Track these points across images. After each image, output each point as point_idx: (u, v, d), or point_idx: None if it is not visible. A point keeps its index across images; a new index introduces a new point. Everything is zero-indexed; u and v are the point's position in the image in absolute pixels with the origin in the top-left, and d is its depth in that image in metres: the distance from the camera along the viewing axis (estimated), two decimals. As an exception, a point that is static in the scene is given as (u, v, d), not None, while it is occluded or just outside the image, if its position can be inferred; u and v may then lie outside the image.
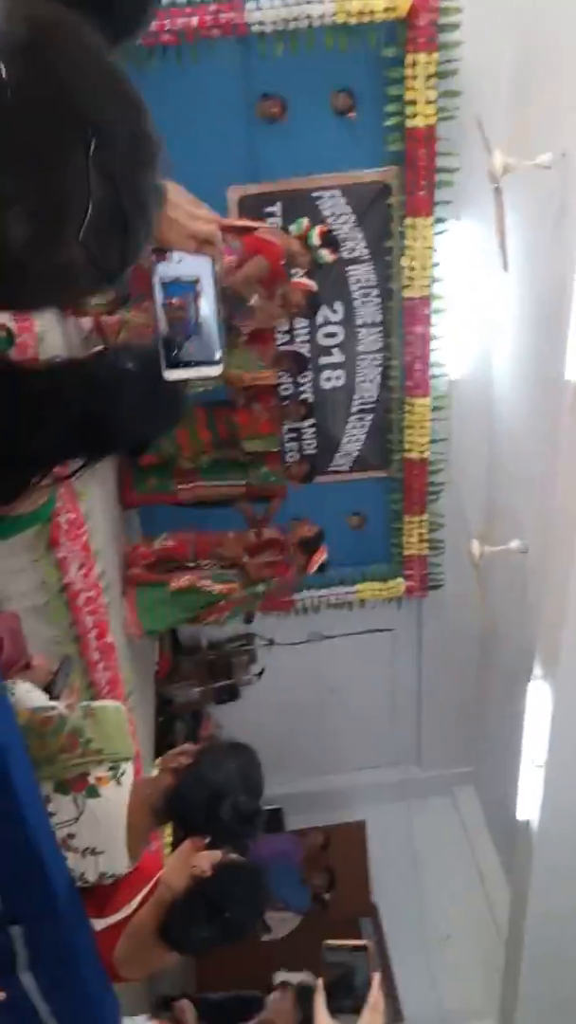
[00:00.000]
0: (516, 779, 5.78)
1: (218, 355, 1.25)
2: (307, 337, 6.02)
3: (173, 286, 1.23)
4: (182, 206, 1.21)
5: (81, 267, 0.75)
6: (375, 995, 1.49)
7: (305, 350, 6.02)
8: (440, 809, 8.30)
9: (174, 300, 1.23)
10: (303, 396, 6.18)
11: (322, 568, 5.69)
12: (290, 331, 5.95)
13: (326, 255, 5.02)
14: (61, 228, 0.71)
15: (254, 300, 4.84)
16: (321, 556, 5.67)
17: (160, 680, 6.54)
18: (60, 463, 1.42)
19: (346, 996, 1.51)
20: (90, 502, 4.35)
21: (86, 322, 4.85)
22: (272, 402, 5.60)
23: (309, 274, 5.14)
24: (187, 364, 1.25)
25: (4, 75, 0.64)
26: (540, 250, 4.92)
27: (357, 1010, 1.48)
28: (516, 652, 5.97)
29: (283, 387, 6.06)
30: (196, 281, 1.23)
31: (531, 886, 5.77)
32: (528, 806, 5.66)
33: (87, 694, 4.32)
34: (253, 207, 5.51)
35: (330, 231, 5.11)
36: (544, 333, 4.94)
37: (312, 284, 5.12)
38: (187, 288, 1.23)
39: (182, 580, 5.50)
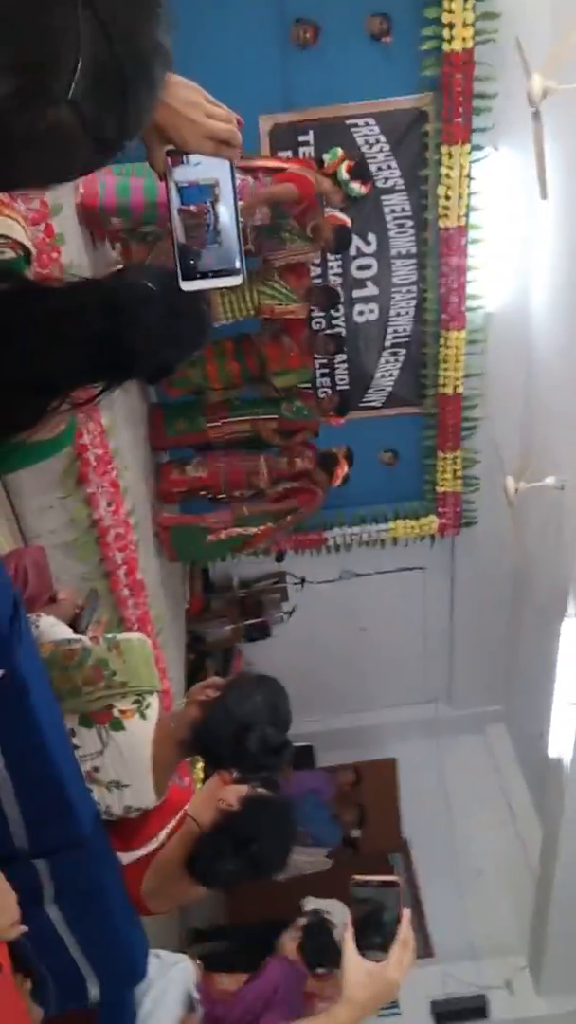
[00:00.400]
0: (548, 717, 5.76)
1: (238, 263, 1.17)
2: (339, 270, 5.88)
3: (190, 191, 1.14)
4: (200, 104, 1.12)
5: (73, 133, 0.66)
6: (404, 931, 1.45)
7: (338, 283, 5.87)
8: (471, 747, 8.34)
9: (192, 207, 1.15)
10: (334, 331, 6.04)
11: (345, 479, 5.71)
12: (322, 264, 5.80)
13: (357, 188, 4.89)
14: (47, 83, 0.62)
15: (257, 217, 4.69)
16: (343, 469, 5.67)
17: (191, 618, 6.57)
18: (79, 387, 1.36)
19: (375, 932, 1.47)
20: (119, 439, 4.31)
21: (114, 255, 4.78)
22: (302, 335, 5.48)
23: (343, 210, 5.02)
24: (205, 275, 1.17)
25: None
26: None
27: (386, 947, 1.44)
28: (550, 590, 5.90)
29: (314, 321, 5.93)
30: (215, 185, 1.14)
31: (562, 824, 5.78)
32: (560, 744, 5.65)
33: (117, 630, 4.32)
34: (285, 136, 5.36)
35: (358, 163, 4.95)
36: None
37: (345, 219, 4.98)
38: (205, 192, 1.15)
39: (220, 533, 5.63)
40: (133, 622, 4.42)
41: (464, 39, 4.87)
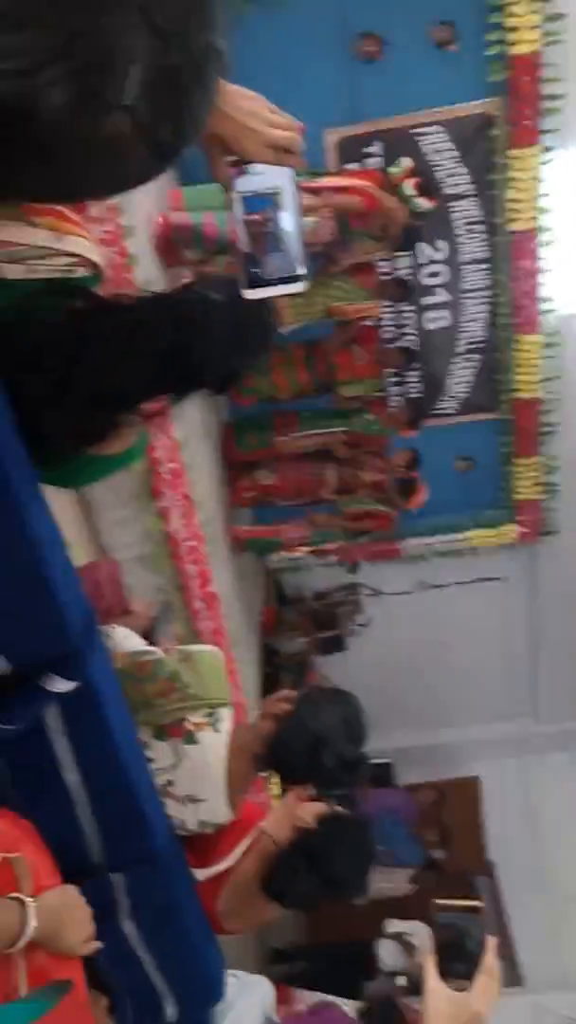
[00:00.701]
0: None
1: (302, 270, 1.17)
2: (409, 277, 5.81)
3: (253, 200, 1.15)
4: (260, 114, 1.12)
5: (129, 139, 0.65)
6: (489, 959, 1.38)
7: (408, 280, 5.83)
8: (559, 765, 8.07)
9: (255, 216, 1.15)
10: (404, 343, 5.99)
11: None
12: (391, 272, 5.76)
13: (423, 203, 4.85)
14: (104, 90, 0.61)
15: (325, 233, 4.70)
16: (421, 496, 5.63)
17: (265, 631, 6.55)
18: (149, 399, 1.39)
19: (458, 959, 1.41)
20: (192, 453, 4.34)
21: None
22: (373, 344, 5.44)
23: (410, 231, 5.03)
24: (269, 282, 1.17)
25: None
26: None
27: (470, 975, 1.37)
28: None
29: (384, 331, 5.89)
30: (277, 193, 1.15)
31: None
32: None
33: (190, 642, 4.33)
34: (352, 148, 5.39)
35: (424, 179, 4.93)
36: None
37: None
38: (267, 201, 1.15)
39: (293, 548, 5.76)
40: (207, 634, 4.42)
41: (530, 42, 4.86)
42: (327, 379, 5.43)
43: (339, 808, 2.22)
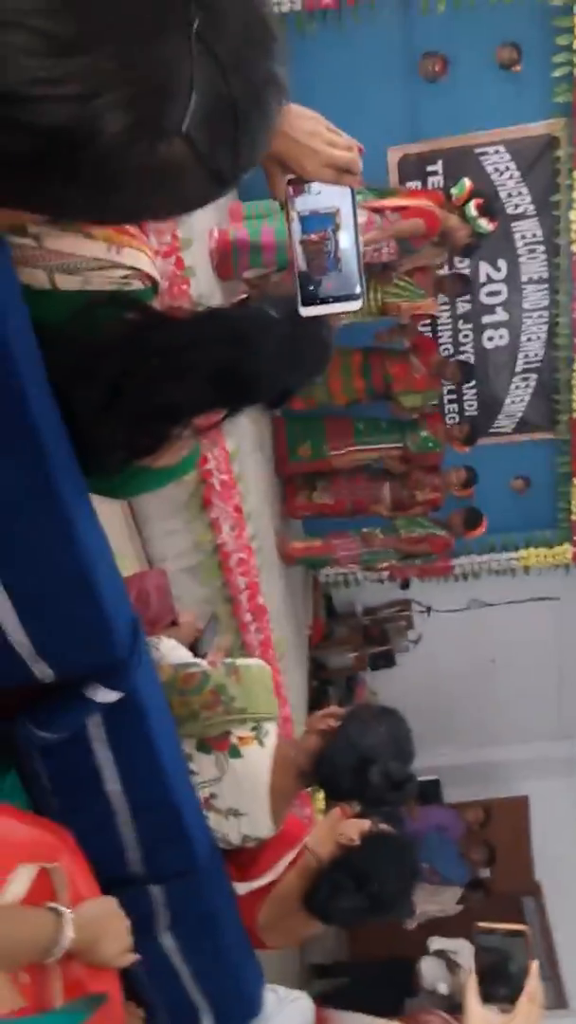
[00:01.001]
0: None
1: (358, 289, 1.17)
2: (468, 298, 5.83)
3: (311, 220, 1.15)
4: (320, 133, 1.14)
5: (187, 166, 0.66)
6: (533, 984, 1.36)
7: (467, 310, 5.81)
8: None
9: (313, 235, 1.15)
10: (463, 357, 5.96)
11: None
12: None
13: (485, 224, 4.82)
14: (161, 117, 0.62)
15: (384, 253, 4.76)
16: (482, 530, 5.62)
17: (314, 645, 6.54)
18: (202, 414, 1.38)
19: (501, 983, 1.39)
20: (244, 465, 4.35)
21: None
22: (431, 357, 5.43)
23: (469, 245, 4.96)
24: (325, 300, 1.18)
25: None
26: None
27: (513, 999, 1.35)
28: None
29: (443, 349, 5.86)
30: (335, 213, 1.15)
31: None
32: None
33: (238, 655, 4.34)
34: (414, 167, 5.41)
35: (487, 200, 4.89)
36: None
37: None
38: (326, 221, 1.16)
39: (345, 564, 5.75)
40: (255, 647, 4.43)
41: (597, 63, 4.79)
42: (382, 389, 5.41)
43: (384, 826, 2.20)
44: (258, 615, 4.40)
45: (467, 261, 5.57)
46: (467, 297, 5.80)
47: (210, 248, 4.28)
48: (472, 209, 4.80)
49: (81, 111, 0.58)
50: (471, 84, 5.17)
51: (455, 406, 6.17)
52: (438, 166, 5.40)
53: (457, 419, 6.11)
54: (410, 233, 4.75)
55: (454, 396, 6.09)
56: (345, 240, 1.15)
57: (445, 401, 6.05)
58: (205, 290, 3.74)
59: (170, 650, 2.07)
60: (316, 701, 6.40)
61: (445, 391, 5.96)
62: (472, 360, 6.02)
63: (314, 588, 6.70)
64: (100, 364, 1.25)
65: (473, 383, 6.04)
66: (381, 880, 1.99)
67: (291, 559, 5.63)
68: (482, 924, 1.45)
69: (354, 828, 2.10)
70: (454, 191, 4.94)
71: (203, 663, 2.01)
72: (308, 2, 4.72)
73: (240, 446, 4.28)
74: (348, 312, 1.23)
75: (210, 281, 4.01)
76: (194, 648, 2.34)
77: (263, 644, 4.45)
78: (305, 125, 1.11)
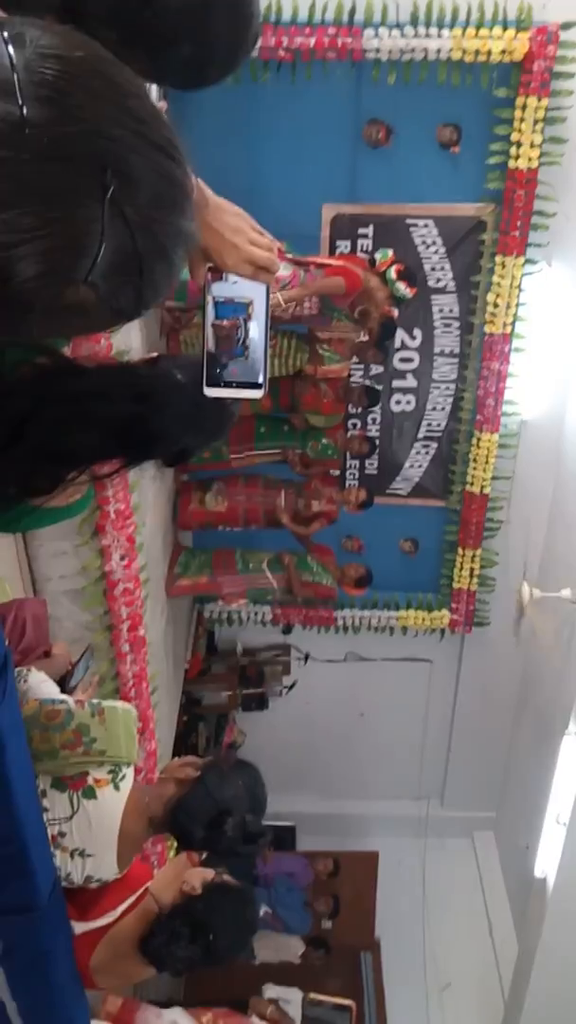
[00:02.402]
0: (537, 833, 5.64)
1: (261, 379, 1.24)
2: (382, 358, 5.94)
3: (225, 307, 1.23)
4: (244, 231, 1.22)
5: (90, 306, 0.74)
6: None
7: (379, 371, 5.97)
8: (457, 851, 8.13)
9: (225, 322, 1.22)
10: (370, 417, 6.13)
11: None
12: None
13: (403, 289, 4.98)
14: (71, 270, 0.70)
15: (306, 307, 4.92)
16: (364, 591, 5.80)
17: (189, 679, 6.53)
18: (99, 462, 1.41)
19: None
20: (142, 494, 4.36)
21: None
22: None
23: (387, 326, 5.12)
24: (229, 384, 1.24)
25: (26, 113, 0.64)
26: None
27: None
28: (554, 703, 5.83)
29: (351, 420, 6.05)
30: (249, 304, 1.23)
31: (539, 945, 5.61)
32: (546, 863, 5.52)
33: (112, 685, 4.32)
34: (346, 226, 5.53)
35: (407, 268, 5.06)
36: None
37: (393, 311, 5.08)
38: (239, 310, 1.23)
39: (230, 602, 5.88)
40: (129, 678, 4.41)
41: (530, 159, 5.04)
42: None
43: (228, 877, 2.24)
44: (136, 647, 4.39)
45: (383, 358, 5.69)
46: (380, 358, 5.95)
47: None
48: (392, 273, 4.96)
49: (1, 255, 0.65)
50: (411, 156, 5.31)
51: (356, 463, 6.31)
52: (369, 230, 5.52)
53: (357, 478, 6.25)
54: (331, 290, 4.90)
55: (357, 459, 6.24)
56: (255, 331, 1.22)
57: (348, 463, 6.19)
58: (123, 345, 3.74)
59: (38, 684, 2.07)
60: (185, 736, 6.39)
61: (350, 455, 6.10)
62: (378, 420, 6.18)
63: (197, 622, 6.71)
64: (5, 405, 1.26)
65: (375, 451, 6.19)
66: (217, 932, 2.03)
67: (177, 594, 5.62)
68: (312, 995, 1.50)
69: (197, 877, 2.13)
70: (378, 256, 5.12)
71: (70, 700, 2.02)
72: (264, 51, 4.78)
73: (140, 476, 4.28)
74: (248, 399, 1.30)
75: (128, 337, 3.99)
76: (64, 680, 2.35)
77: (137, 676, 4.44)
78: (231, 221, 1.19)
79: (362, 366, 5.89)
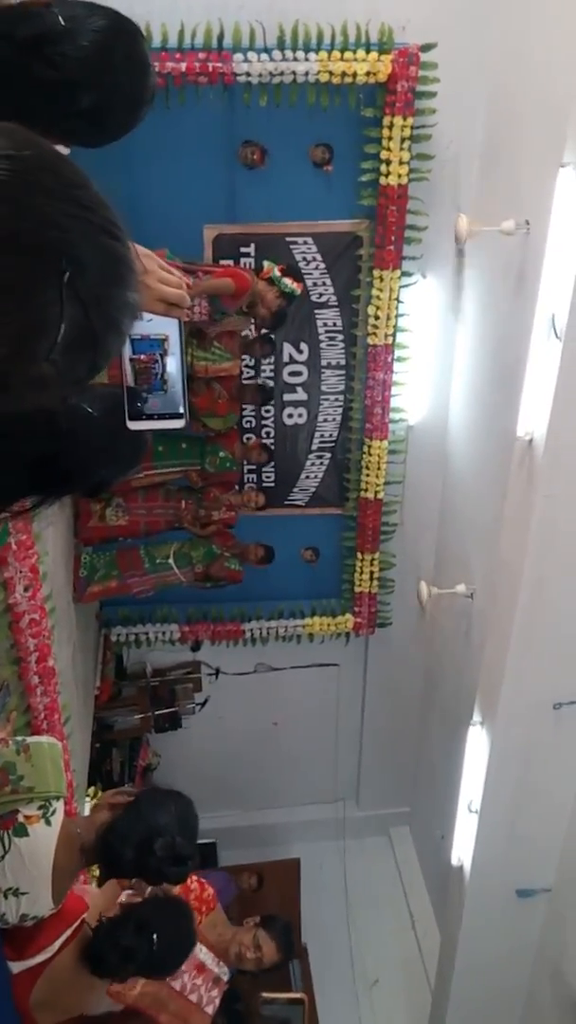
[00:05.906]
0: (452, 822, 5.81)
1: (182, 409, 1.31)
2: (271, 374, 6.09)
3: (141, 343, 1.29)
4: (154, 271, 1.28)
5: (50, 379, 0.79)
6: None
7: (269, 385, 6.07)
8: (375, 849, 8.29)
9: (142, 356, 1.29)
10: (264, 430, 6.23)
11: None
12: (255, 367, 6.01)
13: (290, 284, 5.13)
14: (33, 351, 0.75)
15: (196, 312, 5.03)
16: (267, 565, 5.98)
17: (100, 705, 6.47)
18: (14, 501, 1.42)
19: None
20: (43, 523, 4.32)
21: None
22: (232, 384, 5.58)
23: (279, 308, 5.22)
24: (151, 416, 1.31)
25: None
26: (497, 310, 5.06)
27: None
28: (457, 695, 6.03)
29: (245, 421, 6.11)
30: (164, 339, 1.29)
31: (461, 932, 5.78)
32: (461, 850, 5.69)
33: (23, 719, 4.26)
34: (228, 246, 5.60)
35: (290, 266, 5.21)
36: (497, 389, 5.06)
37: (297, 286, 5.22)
38: (155, 346, 1.29)
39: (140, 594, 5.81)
40: (41, 711, 4.35)
41: (399, 175, 5.22)
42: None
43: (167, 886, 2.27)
44: (46, 678, 4.34)
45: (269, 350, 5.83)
46: (271, 373, 6.07)
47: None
48: (277, 271, 5.12)
49: None
50: (286, 176, 5.44)
51: (254, 475, 6.40)
52: (251, 248, 5.61)
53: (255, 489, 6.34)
54: (220, 291, 5.00)
55: (254, 468, 6.33)
56: (172, 365, 1.29)
57: (245, 472, 6.26)
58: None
59: (-42, 726, 2.07)
60: (98, 763, 6.33)
61: (246, 467, 6.17)
62: (272, 434, 6.29)
63: (104, 647, 6.65)
64: None
65: (272, 461, 6.29)
66: (159, 931, 2.06)
67: (89, 601, 5.61)
68: (266, 995, 1.57)
69: (135, 895, 2.16)
70: (265, 263, 5.29)
71: (-7, 740, 2.03)
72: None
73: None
74: (171, 429, 1.35)
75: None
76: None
77: (48, 708, 4.38)
78: (142, 263, 1.23)
79: (253, 367, 5.98)
